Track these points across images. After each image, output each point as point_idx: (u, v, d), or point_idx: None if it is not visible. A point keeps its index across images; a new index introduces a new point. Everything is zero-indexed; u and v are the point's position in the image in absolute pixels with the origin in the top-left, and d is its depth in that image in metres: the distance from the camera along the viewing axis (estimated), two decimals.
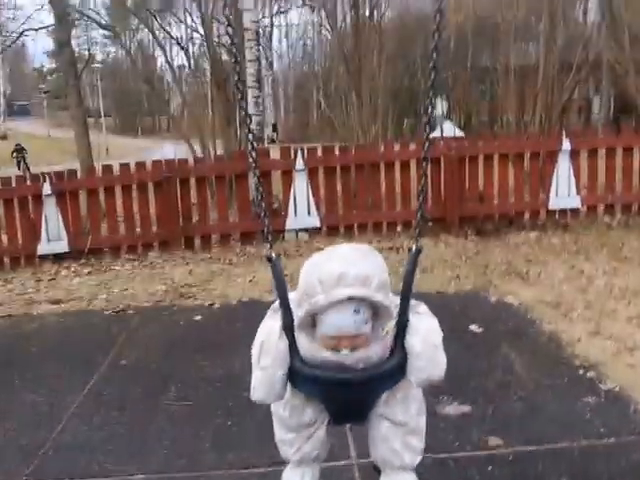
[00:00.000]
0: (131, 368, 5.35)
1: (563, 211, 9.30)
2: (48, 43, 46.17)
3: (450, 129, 8.91)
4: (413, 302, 2.55)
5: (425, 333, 2.49)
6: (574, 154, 9.14)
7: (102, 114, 54.92)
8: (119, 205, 9.50)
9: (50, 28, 14.83)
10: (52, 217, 9.16)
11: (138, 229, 9.50)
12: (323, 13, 22.56)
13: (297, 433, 2.70)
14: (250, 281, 7.60)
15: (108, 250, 9.37)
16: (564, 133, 9.41)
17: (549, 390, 4.49)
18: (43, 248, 9.20)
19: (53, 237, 9.18)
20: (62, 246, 9.18)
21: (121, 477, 3.79)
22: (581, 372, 4.71)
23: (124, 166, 9.60)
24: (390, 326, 2.48)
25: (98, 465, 3.91)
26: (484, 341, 5.43)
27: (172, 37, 19.17)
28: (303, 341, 2.47)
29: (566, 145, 9.06)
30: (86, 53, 47.27)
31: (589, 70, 21.73)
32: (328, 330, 2.36)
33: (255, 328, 2.64)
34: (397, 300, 2.52)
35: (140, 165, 9.68)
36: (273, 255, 2.61)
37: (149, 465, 3.89)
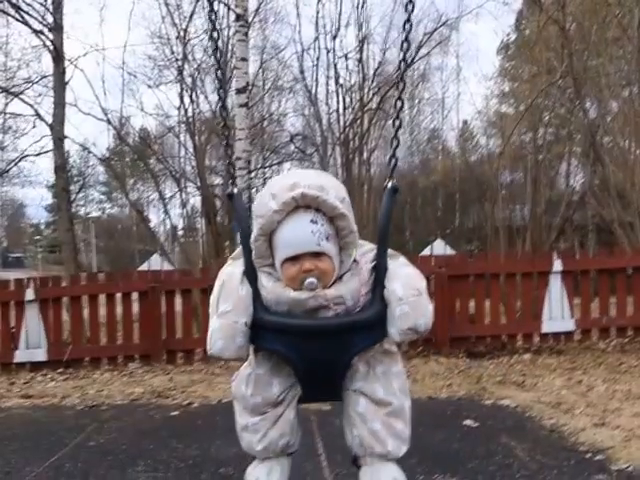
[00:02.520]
0: (99, 447, 4.97)
1: (557, 335, 9.01)
2: (47, 197, 46.62)
3: (441, 247, 8.71)
4: (391, 252, 2.30)
5: (406, 278, 2.24)
6: (566, 275, 8.97)
7: (95, 269, 55.14)
8: (102, 314, 9.18)
9: (49, 153, 14.81)
10: (33, 324, 8.82)
11: (120, 340, 9.13)
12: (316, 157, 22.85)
13: (262, 416, 2.32)
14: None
15: (88, 360, 8.97)
16: (555, 254, 9.26)
17: (554, 470, 4.12)
18: (21, 355, 8.79)
19: (32, 344, 8.80)
20: (40, 354, 8.77)
21: None
22: (588, 456, 4.37)
23: (110, 275, 9.35)
24: (358, 253, 2.23)
25: None
26: (481, 433, 5.07)
27: (168, 168, 19.21)
28: (266, 283, 2.21)
29: (557, 266, 8.89)
30: (82, 211, 48.09)
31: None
32: (285, 250, 2.15)
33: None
34: (372, 246, 2.31)
35: (126, 275, 9.46)
36: (235, 190, 2.40)
37: None
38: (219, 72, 2.88)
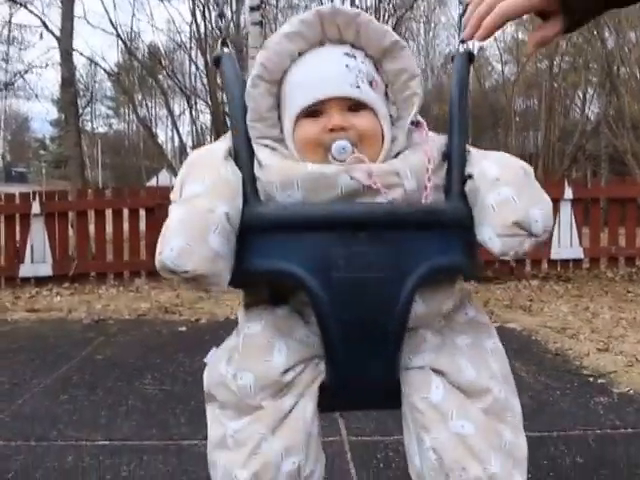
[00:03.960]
0: (106, 361, 4.99)
1: (565, 262, 9.00)
2: (52, 112, 46.23)
3: None
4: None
5: (501, 157, 1.47)
6: (577, 203, 8.91)
7: (100, 186, 55.04)
8: (109, 230, 9.17)
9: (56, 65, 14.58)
10: (38, 238, 8.82)
11: (126, 256, 9.14)
12: None
13: (252, 415, 1.41)
14: (240, 304, 7.24)
15: (94, 276, 9.00)
16: (566, 182, 9.18)
17: (558, 391, 4.13)
18: (26, 270, 8.81)
19: (37, 259, 8.81)
20: (46, 269, 8.79)
21: (82, 443, 3.39)
22: (591, 379, 4.38)
23: (117, 190, 9.31)
24: (414, 114, 1.46)
25: (57, 432, 3.54)
26: None
27: (178, 85, 19.02)
28: (268, 159, 1.42)
29: (568, 194, 8.82)
30: (89, 126, 47.64)
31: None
32: (303, 94, 1.41)
33: None
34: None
35: (133, 191, 9.43)
36: (225, 50, 1.55)
37: (115, 434, 3.50)
38: None
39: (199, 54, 18.80)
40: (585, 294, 7.73)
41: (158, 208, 8.80)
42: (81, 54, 22.42)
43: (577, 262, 9.02)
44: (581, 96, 25.88)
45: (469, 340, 1.49)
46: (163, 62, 20.50)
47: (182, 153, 23.41)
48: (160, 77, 20.50)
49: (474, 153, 1.48)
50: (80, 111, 17.03)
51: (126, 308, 7.14)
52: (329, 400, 1.45)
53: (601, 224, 9.26)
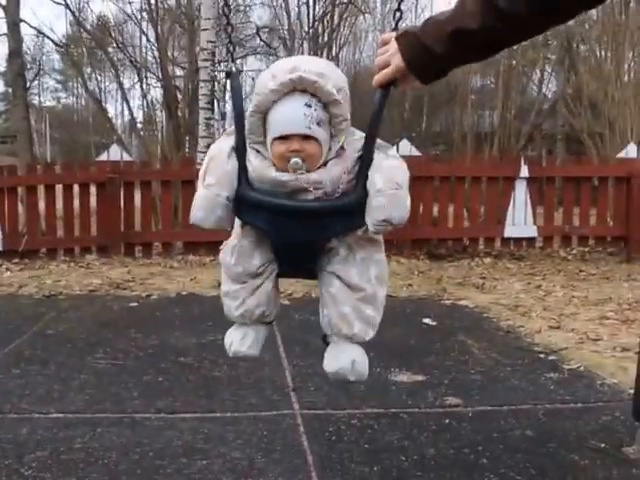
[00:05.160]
0: (58, 336, 4.93)
1: (519, 240, 9.12)
2: None
3: (406, 147, 8.65)
4: (382, 142, 2.25)
5: (388, 170, 2.18)
6: (532, 182, 9.02)
7: (49, 160, 54.07)
8: (59, 206, 9.03)
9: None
10: None
11: (77, 232, 9.03)
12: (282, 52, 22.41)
13: (242, 285, 2.32)
14: (191, 280, 7.23)
15: (44, 252, 8.88)
16: (522, 160, 9.27)
17: (508, 367, 4.19)
18: None
19: None
20: None
21: (35, 415, 3.37)
22: (542, 356, 4.46)
23: (67, 165, 9.17)
24: (347, 141, 2.19)
25: (11, 405, 3.51)
26: (439, 331, 5.14)
27: (128, 57, 18.81)
28: (254, 160, 2.19)
29: (524, 172, 8.92)
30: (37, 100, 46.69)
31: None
32: (277, 128, 2.13)
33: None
34: (362, 135, 2.24)
35: (84, 166, 9.32)
36: (233, 69, 2.36)
37: (68, 407, 3.48)
38: None
39: (150, 26, 18.53)
40: (538, 272, 7.85)
41: (109, 183, 8.71)
42: (29, 25, 21.90)
43: (531, 241, 9.14)
44: (539, 74, 26.08)
45: (363, 254, 2.25)
46: (113, 34, 20.20)
47: (132, 127, 23.15)
48: (110, 49, 20.20)
49: (376, 162, 2.17)
50: (27, 84, 16.69)
51: (77, 284, 7.05)
52: (281, 275, 2.32)
53: (556, 203, 9.39)
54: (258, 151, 2.20)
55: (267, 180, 2.16)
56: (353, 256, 2.27)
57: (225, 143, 2.26)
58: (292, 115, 2.13)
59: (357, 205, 2.17)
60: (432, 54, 1.88)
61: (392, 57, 1.99)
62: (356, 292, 2.25)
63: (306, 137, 2.12)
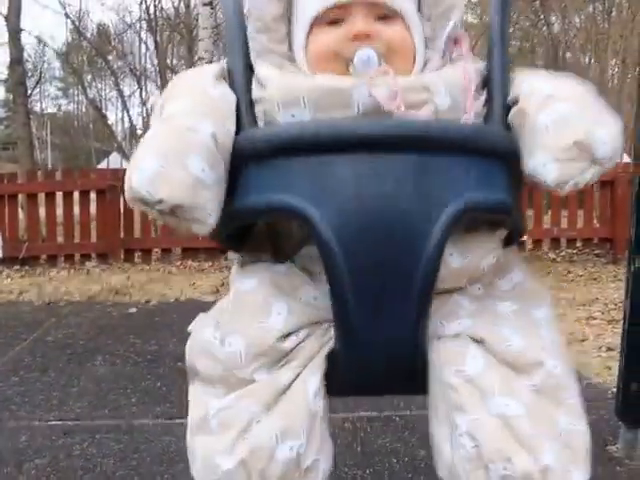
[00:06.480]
0: (57, 343, 5.00)
1: None
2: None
3: None
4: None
5: (552, 75, 1.27)
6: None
7: (50, 167, 54.04)
8: (59, 212, 9.12)
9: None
10: None
11: (77, 239, 9.11)
12: None
13: (242, 390, 1.18)
14: (190, 285, 7.31)
15: (44, 258, 8.96)
16: None
17: None
18: None
19: None
20: None
21: (35, 423, 3.44)
22: None
23: (67, 172, 9.26)
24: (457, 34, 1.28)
25: (10, 413, 3.58)
26: None
27: (128, 65, 18.95)
28: (270, 73, 1.22)
29: None
30: (37, 107, 46.79)
31: None
32: None
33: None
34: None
35: (84, 173, 9.42)
36: None
37: (67, 414, 3.55)
38: None
39: (149, 34, 18.65)
40: None
41: (109, 190, 8.80)
42: (29, 34, 22.05)
43: (520, 243, 9.18)
44: None
45: (515, 307, 1.24)
46: (112, 42, 20.30)
47: (132, 135, 23.24)
48: (110, 57, 20.30)
49: (519, 75, 1.27)
50: (29, 92, 16.78)
51: (77, 290, 7.13)
52: (338, 380, 1.22)
53: (544, 206, 9.52)
54: (278, 66, 1.26)
55: (304, 96, 1.15)
56: (493, 308, 1.25)
57: (206, 66, 1.37)
58: None
59: (504, 145, 1.19)
60: None
61: None
62: (525, 372, 1.18)
63: (380, 15, 1.21)
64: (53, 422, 3.43)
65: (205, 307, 1.49)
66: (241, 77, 1.21)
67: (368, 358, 1.16)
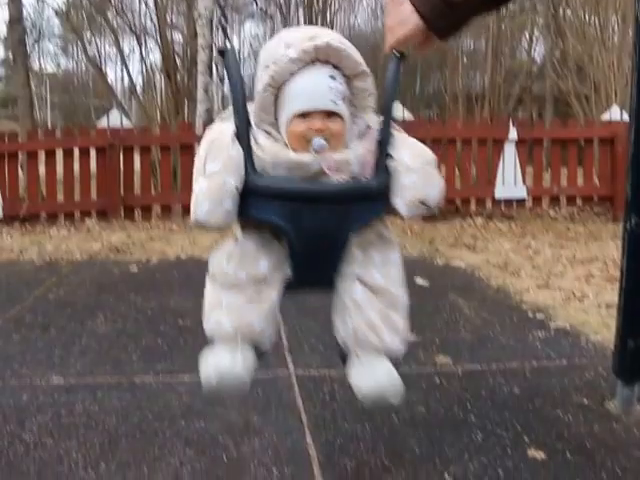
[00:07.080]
0: (58, 301, 5.04)
1: (509, 201, 9.22)
2: None
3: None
4: (396, 126, 2.03)
5: (414, 148, 1.99)
6: (521, 143, 9.11)
7: (49, 125, 53.74)
8: (59, 171, 9.11)
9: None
10: None
11: (77, 197, 9.11)
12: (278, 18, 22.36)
13: (241, 293, 1.97)
14: (191, 242, 7.34)
15: (44, 217, 8.97)
16: (511, 123, 9.35)
17: (498, 326, 4.31)
18: None
19: None
20: None
21: (36, 381, 3.47)
22: (530, 314, 4.57)
23: (67, 131, 9.23)
24: (369, 119, 1.97)
25: (12, 371, 3.60)
26: (431, 291, 5.24)
27: (127, 23, 18.81)
28: (263, 142, 1.91)
29: (513, 134, 9.01)
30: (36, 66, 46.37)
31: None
32: (298, 103, 1.88)
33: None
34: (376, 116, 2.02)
35: (84, 131, 9.40)
36: (228, 46, 2.01)
37: (69, 372, 3.59)
38: None
39: None
40: (528, 232, 7.98)
41: (109, 148, 8.79)
42: None
43: (520, 201, 9.25)
44: (527, 38, 26.06)
45: (380, 255, 2.01)
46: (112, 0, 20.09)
47: (132, 92, 23.12)
48: (109, 15, 20.09)
49: (397, 138, 1.97)
50: (28, 50, 16.64)
51: (77, 248, 7.15)
52: (289, 287, 2.01)
53: (544, 164, 9.51)
54: (268, 133, 1.93)
55: (283, 163, 1.88)
56: (371, 257, 2.02)
57: (225, 126, 1.97)
58: (315, 88, 1.89)
59: (382, 187, 1.94)
60: (450, 3, 1.75)
61: (405, 17, 1.83)
62: (381, 296, 2.00)
63: (329, 114, 1.88)
64: (55, 380, 3.47)
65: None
66: (245, 139, 1.90)
67: (304, 280, 2.02)
